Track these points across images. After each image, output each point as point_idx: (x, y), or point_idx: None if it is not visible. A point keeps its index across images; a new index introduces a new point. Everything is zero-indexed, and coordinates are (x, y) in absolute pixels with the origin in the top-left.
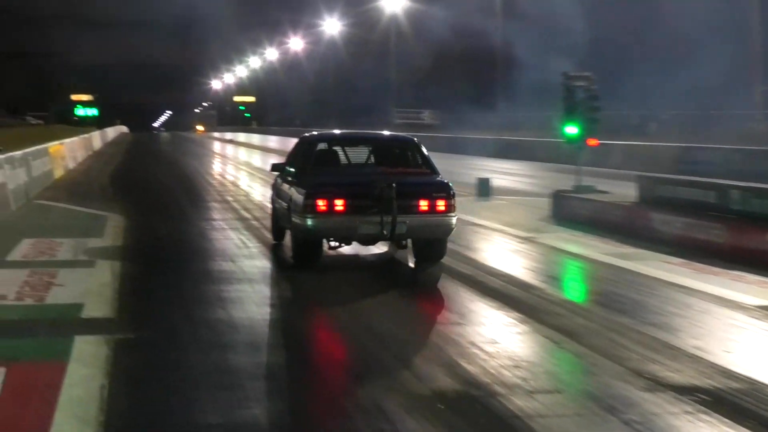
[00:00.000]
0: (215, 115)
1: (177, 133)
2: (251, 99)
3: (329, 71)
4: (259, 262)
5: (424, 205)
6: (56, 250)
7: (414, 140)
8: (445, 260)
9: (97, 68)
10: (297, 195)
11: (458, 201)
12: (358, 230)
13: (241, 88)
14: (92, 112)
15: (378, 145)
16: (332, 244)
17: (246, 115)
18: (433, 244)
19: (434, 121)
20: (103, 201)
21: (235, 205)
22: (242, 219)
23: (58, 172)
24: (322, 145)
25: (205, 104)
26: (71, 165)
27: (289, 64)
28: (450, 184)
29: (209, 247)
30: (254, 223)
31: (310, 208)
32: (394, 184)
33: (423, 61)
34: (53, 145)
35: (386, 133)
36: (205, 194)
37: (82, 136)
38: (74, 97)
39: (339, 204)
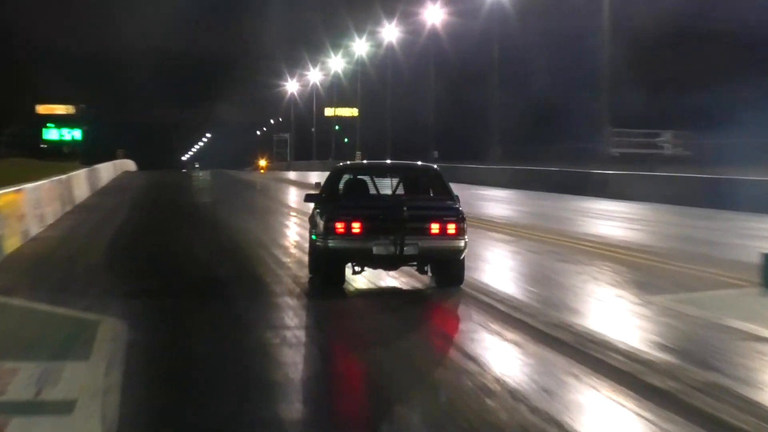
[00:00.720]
0: (286, 140)
1: (223, 172)
2: (352, 112)
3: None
4: None
5: (435, 228)
6: (5, 383)
7: (435, 169)
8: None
9: (87, 61)
10: (320, 220)
11: (727, 293)
12: (373, 250)
13: (335, 94)
14: (73, 135)
15: (401, 174)
16: (356, 268)
17: (344, 140)
18: (449, 267)
19: (680, 148)
20: (92, 294)
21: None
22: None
23: (12, 243)
24: (349, 175)
25: (272, 122)
26: (35, 229)
27: (419, 52)
28: (460, 209)
29: (286, 390)
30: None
31: (329, 230)
32: (405, 207)
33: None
34: (2, 195)
35: (410, 162)
36: (273, 282)
37: (55, 178)
38: (42, 108)
39: (356, 227)
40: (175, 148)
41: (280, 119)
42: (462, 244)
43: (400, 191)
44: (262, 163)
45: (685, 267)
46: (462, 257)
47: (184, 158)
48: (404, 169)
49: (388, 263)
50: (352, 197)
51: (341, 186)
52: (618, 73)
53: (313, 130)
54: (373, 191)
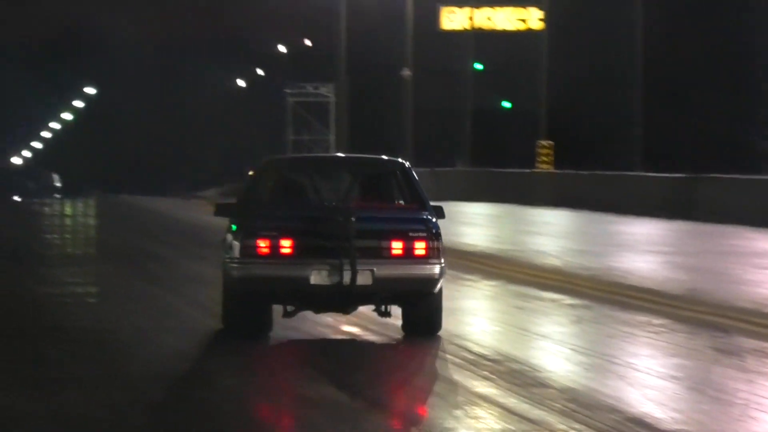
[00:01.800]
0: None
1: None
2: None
3: None
4: None
5: (397, 247)
6: None
7: (403, 164)
8: None
9: None
10: (235, 238)
11: None
12: (310, 280)
13: None
14: None
15: (355, 172)
16: (288, 308)
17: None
18: (420, 306)
19: None
20: None
21: None
22: None
23: None
24: (279, 174)
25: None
26: None
27: None
28: (433, 220)
29: None
30: None
31: (249, 251)
32: (354, 218)
33: None
34: None
35: (369, 156)
36: None
37: None
38: None
39: (286, 245)
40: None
41: (308, 42)
42: (436, 270)
43: (354, 196)
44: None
45: None
46: (437, 290)
47: (17, 160)
48: (359, 164)
49: (334, 301)
50: (283, 205)
51: (268, 190)
52: None
53: (405, 74)
54: (313, 196)
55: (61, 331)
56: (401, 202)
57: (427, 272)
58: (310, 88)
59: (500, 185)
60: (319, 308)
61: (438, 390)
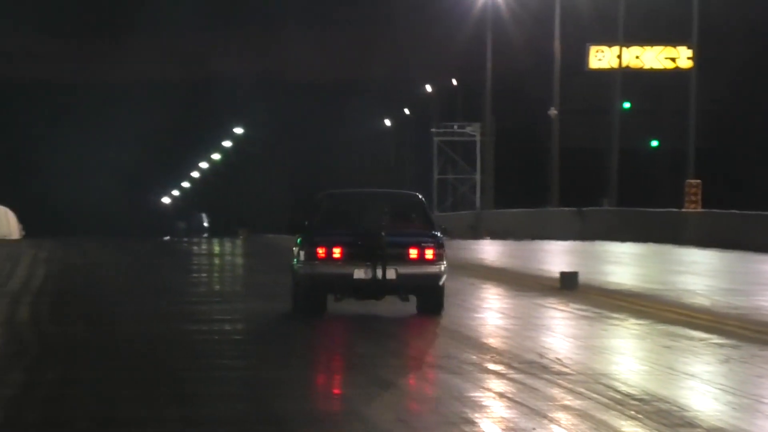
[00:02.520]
0: (474, 141)
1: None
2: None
3: None
4: None
5: (413, 253)
6: None
7: (418, 197)
8: None
9: None
10: (301, 247)
11: None
12: (353, 275)
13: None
14: None
15: (383, 203)
16: (337, 296)
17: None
18: (430, 295)
19: None
20: None
21: None
22: None
23: None
24: (332, 204)
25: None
26: None
27: None
28: (439, 236)
29: None
30: None
31: (311, 256)
32: (383, 233)
33: None
34: None
35: (393, 191)
36: None
37: None
38: None
39: (337, 252)
40: (146, 178)
41: (455, 82)
42: (441, 269)
43: (385, 218)
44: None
45: None
46: (441, 283)
47: (166, 199)
48: (387, 197)
49: (370, 291)
50: (335, 223)
51: (324, 214)
52: None
53: (552, 113)
54: (356, 218)
55: (210, 369)
56: (416, 222)
57: (435, 270)
58: (456, 127)
59: (647, 224)
60: (359, 296)
61: (585, 429)
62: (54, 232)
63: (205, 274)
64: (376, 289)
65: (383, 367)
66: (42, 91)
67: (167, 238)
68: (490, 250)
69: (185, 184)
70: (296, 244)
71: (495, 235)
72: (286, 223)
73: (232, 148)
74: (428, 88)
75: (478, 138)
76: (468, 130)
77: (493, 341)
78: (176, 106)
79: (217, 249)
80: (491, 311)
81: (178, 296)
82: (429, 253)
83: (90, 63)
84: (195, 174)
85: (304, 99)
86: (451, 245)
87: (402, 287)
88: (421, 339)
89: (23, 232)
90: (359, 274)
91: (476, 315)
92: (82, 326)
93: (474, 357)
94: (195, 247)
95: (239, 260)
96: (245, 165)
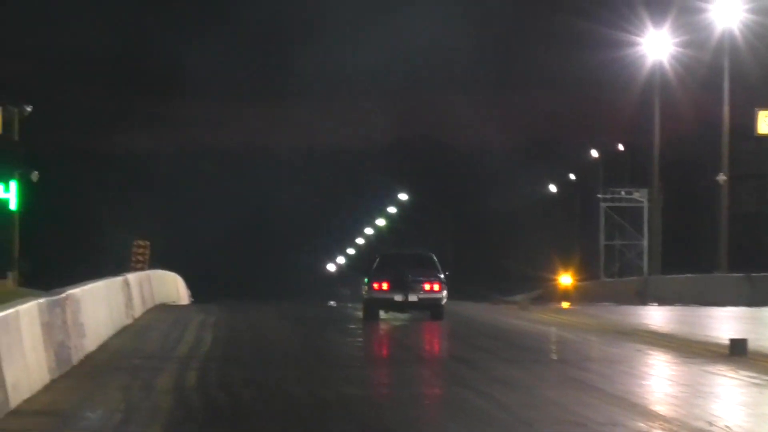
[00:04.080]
0: (642, 207)
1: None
2: None
3: None
4: None
5: (428, 286)
6: None
7: (430, 255)
8: None
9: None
10: (366, 283)
11: None
12: (394, 299)
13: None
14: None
15: (410, 257)
16: (383, 311)
17: None
18: (436, 310)
19: None
20: None
21: None
22: None
23: None
24: (383, 260)
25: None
26: None
27: None
28: (442, 276)
29: None
30: None
31: (371, 288)
32: (410, 273)
33: None
34: None
35: (415, 251)
36: None
37: None
38: None
39: (384, 286)
40: (313, 243)
41: (621, 147)
42: (442, 295)
43: (411, 266)
44: (565, 280)
45: None
46: (443, 303)
47: (331, 266)
48: (413, 254)
49: (403, 307)
50: (384, 270)
51: (378, 265)
52: None
53: (720, 178)
54: (395, 267)
55: None
56: (429, 268)
57: (439, 296)
58: (623, 193)
59: None
60: (396, 310)
61: None
62: (221, 297)
63: (367, 338)
64: (406, 306)
65: None
66: (208, 155)
67: (332, 303)
68: (657, 316)
69: (350, 251)
70: (364, 282)
71: (662, 300)
72: (363, 270)
73: (397, 214)
74: (594, 153)
75: (645, 204)
76: (635, 195)
77: (660, 408)
78: (344, 173)
79: (382, 314)
80: (659, 378)
81: (343, 360)
82: (436, 287)
83: (257, 128)
84: (360, 241)
85: (467, 164)
86: (617, 311)
87: (420, 305)
88: (588, 407)
89: (191, 298)
90: (397, 297)
91: (643, 382)
92: (250, 392)
93: (641, 424)
94: (359, 313)
95: (406, 324)
96: (410, 231)
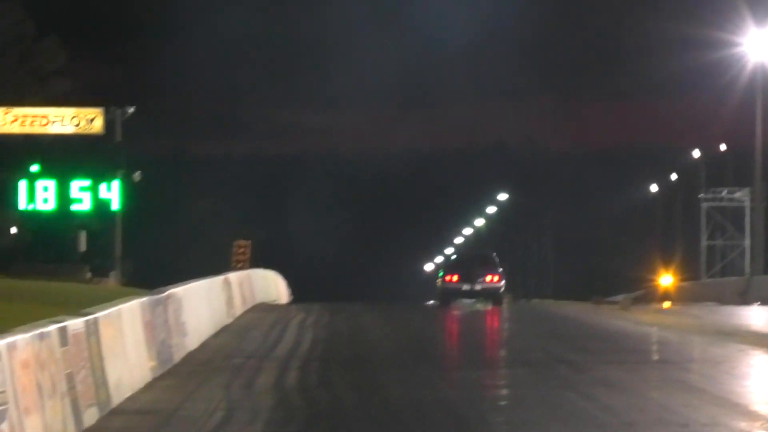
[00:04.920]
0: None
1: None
2: None
3: None
4: None
5: (489, 278)
6: None
7: (491, 254)
8: None
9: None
10: (440, 276)
11: None
12: (462, 288)
13: None
14: (100, 193)
15: (475, 256)
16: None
17: None
18: (495, 298)
19: None
20: None
21: None
22: None
23: None
24: (455, 257)
25: None
26: None
27: None
28: (500, 270)
29: None
30: None
31: (444, 280)
32: (474, 268)
33: None
34: None
35: (479, 251)
36: None
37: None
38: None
39: (455, 278)
40: (412, 243)
41: (723, 147)
42: (501, 285)
43: (476, 263)
44: (666, 281)
45: None
46: (501, 292)
47: (429, 265)
48: (477, 254)
49: (470, 295)
50: (455, 266)
51: (451, 262)
52: None
53: None
54: (463, 264)
55: None
56: (489, 264)
57: (498, 286)
58: (725, 193)
59: None
60: (464, 297)
61: None
62: (321, 297)
63: (468, 339)
64: (472, 294)
65: None
66: (318, 159)
67: (432, 302)
68: (760, 317)
69: (448, 251)
70: (439, 276)
71: (765, 301)
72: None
73: (497, 214)
74: (696, 153)
75: (747, 203)
76: (737, 195)
77: (762, 408)
78: (442, 173)
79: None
80: (761, 378)
81: (444, 362)
82: (495, 278)
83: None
84: (458, 240)
85: (566, 166)
86: (719, 311)
87: (483, 293)
88: (690, 407)
89: (291, 297)
90: (465, 287)
91: (745, 382)
92: (349, 392)
93: (743, 424)
94: (457, 312)
95: (505, 325)
96: (509, 232)
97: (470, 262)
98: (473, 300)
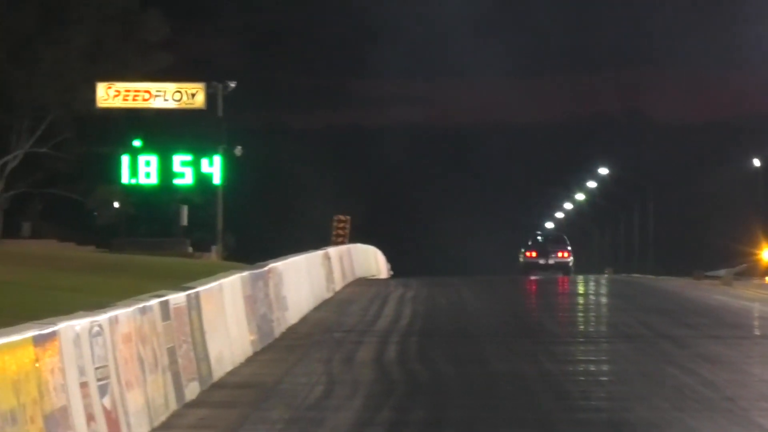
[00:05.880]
0: None
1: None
2: None
3: None
4: None
5: (560, 254)
6: None
7: (561, 234)
8: None
9: None
10: (522, 251)
11: None
12: (539, 262)
13: None
14: (203, 169)
15: (549, 235)
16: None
17: None
18: (565, 270)
19: None
20: None
21: None
22: None
23: None
24: (534, 236)
25: None
26: None
27: None
28: (569, 248)
29: None
30: None
31: (524, 255)
32: (549, 246)
33: None
34: None
35: (553, 231)
36: None
37: None
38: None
39: (533, 254)
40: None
41: None
42: (570, 260)
43: (550, 240)
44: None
45: None
46: (570, 265)
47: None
48: (550, 234)
49: (545, 267)
50: (533, 244)
51: (531, 240)
52: None
53: None
54: (541, 242)
55: (576, 410)
56: (561, 242)
57: (568, 260)
58: None
59: None
60: (541, 270)
61: None
62: (420, 271)
63: (569, 314)
64: (547, 267)
65: (759, 410)
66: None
67: (533, 277)
68: None
69: (548, 225)
70: (521, 252)
71: None
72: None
73: (597, 189)
74: None
75: None
76: None
77: None
78: (543, 147)
79: (581, 288)
80: None
81: (544, 336)
82: (565, 254)
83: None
84: (558, 215)
85: (672, 141)
86: None
87: (555, 267)
88: None
89: (391, 272)
90: (542, 261)
91: None
92: (450, 366)
93: None
94: (556, 287)
95: (603, 300)
96: (609, 206)
97: (545, 241)
98: (547, 271)
